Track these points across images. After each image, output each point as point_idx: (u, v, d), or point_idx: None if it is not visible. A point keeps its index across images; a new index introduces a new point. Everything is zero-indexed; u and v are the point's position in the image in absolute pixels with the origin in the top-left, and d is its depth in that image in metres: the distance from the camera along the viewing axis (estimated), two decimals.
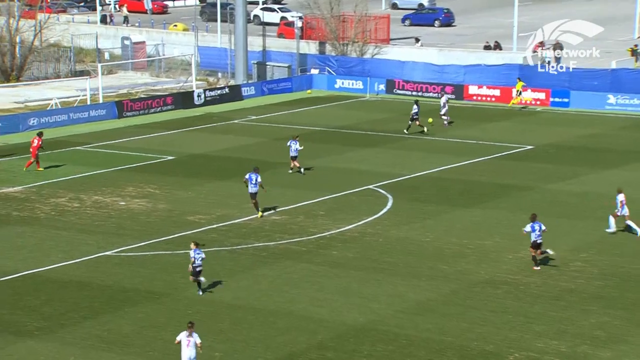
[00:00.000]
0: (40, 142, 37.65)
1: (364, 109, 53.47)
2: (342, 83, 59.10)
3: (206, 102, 53.71)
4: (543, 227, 26.48)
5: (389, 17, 68.74)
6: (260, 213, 31.56)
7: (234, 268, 26.79)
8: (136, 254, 27.94)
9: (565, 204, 33.15)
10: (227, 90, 55.74)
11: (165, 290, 25.01)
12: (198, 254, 24.54)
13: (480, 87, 55.53)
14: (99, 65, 54.73)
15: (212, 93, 54.72)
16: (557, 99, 53.55)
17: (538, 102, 53.86)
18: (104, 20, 75.92)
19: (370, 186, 35.92)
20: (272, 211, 32.04)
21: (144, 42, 66.44)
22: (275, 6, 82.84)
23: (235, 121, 49.29)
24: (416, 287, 25.53)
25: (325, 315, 23.62)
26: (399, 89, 57.16)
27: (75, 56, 63.29)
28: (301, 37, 64.12)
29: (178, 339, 19.94)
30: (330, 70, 60.47)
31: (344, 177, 37.28)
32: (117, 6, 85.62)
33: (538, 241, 26.41)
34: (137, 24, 76.36)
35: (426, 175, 37.72)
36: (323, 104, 54.38)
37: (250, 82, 58.19)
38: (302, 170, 37.10)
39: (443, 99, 47.60)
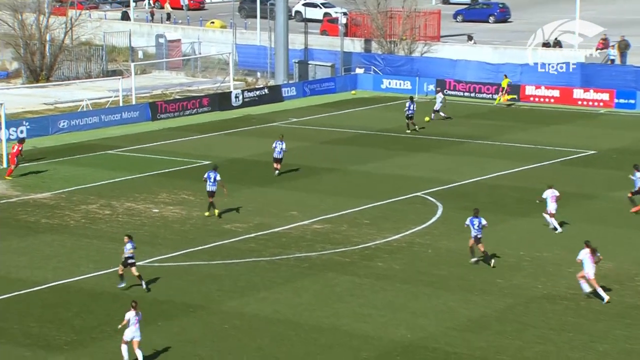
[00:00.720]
0: (20, 149, 37.93)
1: None
2: (389, 83, 59.06)
3: (244, 104, 54.01)
4: (483, 222, 27.65)
5: (440, 13, 68.56)
6: (216, 211, 32.09)
7: (273, 280, 26.91)
8: (170, 264, 28.19)
9: (630, 214, 32.75)
10: (266, 90, 56.01)
11: (201, 302, 25.21)
12: (131, 245, 25.54)
13: (538, 87, 55.13)
14: (132, 64, 55.33)
15: (251, 94, 55.01)
16: (622, 100, 52.99)
17: (601, 104, 53.35)
18: (125, 17, 76.63)
19: (419, 193, 35.84)
20: (235, 212, 32.23)
21: (179, 40, 67.01)
22: (318, 2, 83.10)
23: (275, 124, 49.51)
24: (468, 302, 25.40)
25: (370, 331, 23.60)
26: (450, 89, 56.94)
27: (108, 55, 64.02)
28: (345, 35, 64.20)
29: (127, 318, 21.79)
30: (376, 70, 60.47)
31: (390, 184, 37.25)
32: (151, 2, 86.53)
33: (478, 236, 27.62)
34: (172, 21, 77.13)
35: (479, 181, 37.53)
36: (368, 106, 54.37)
37: (291, 82, 58.39)
38: (276, 172, 37.39)
39: (439, 97, 49.49)
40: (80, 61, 61.99)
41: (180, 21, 77.05)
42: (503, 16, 78.28)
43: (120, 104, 50.97)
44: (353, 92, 58.80)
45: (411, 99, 47.01)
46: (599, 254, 25.20)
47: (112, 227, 31.77)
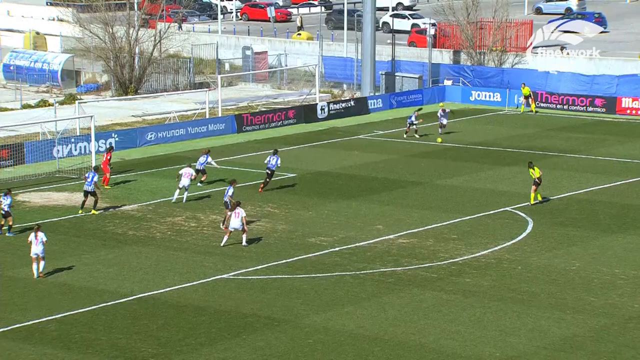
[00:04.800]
0: (108, 157, 38.90)
1: (502, 124, 52.79)
2: (478, 95, 58.55)
3: (330, 116, 54.17)
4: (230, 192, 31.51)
5: (532, 24, 67.71)
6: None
7: (358, 294, 26.88)
8: (255, 278, 28.42)
9: None
10: (352, 103, 56.08)
11: (285, 316, 25.33)
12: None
13: (635, 99, 53.90)
14: (219, 76, 56.09)
15: (337, 106, 55.15)
16: None
17: None
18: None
19: (508, 208, 35.39)
20: (320, 225, 32.02)
21: (265, 52, 67.71)
22: (407, 12, 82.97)
23: (361, 136, 49.54)
24: (560, 321, 24.95)
25: (458, 349, 23.37)
26: (542, 101, 56.15)
27: (195, 67, 65.06)
28: (434, 46, 63.93)
29: (30, 239, 27.52)
30: (465, 82, 60.02)
31: (479, 198, 36.89)
32: (239, 14, 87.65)
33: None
34: (259, 32, 78.02)
35: (572, 196, 36.86)
36: (457, 118, 53.93)
37: (377, 94, 58.38)
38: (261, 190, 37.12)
39: (440, 113, 48.18)
40: (168, 73, 63.05)
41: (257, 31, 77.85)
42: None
43: (207, 116, 51.70)
44: (441, 104, 58.40)
45: (418, 110, 48.31)
46: None
47: (198, 239, 32.18)
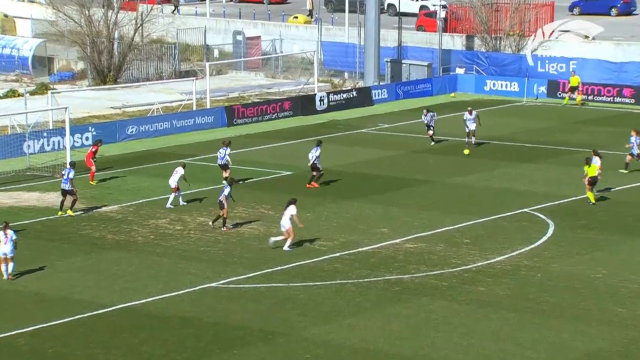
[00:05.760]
0: (94, 150, 39.20)
1: (520, 116, 52.89)
2: (494, 85, 58.65)
3: (330, 108, 54.26)
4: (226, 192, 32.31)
5: (554, 5, 67.85)
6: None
7: (361, 305, 26.96)
8: (247, 286, 28.48)
9: None
10: (354, 93, 56.18)
11: (280, 329, 25.41)
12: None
13: None
14: (207, 64, 56.19)
15: (337, 97, 55.25)
16: None
17: None
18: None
19: (527, 209, 35.47)
20: (318, 228, 32.16)
21: (259, 37, 67.78)
22: None
23: (364, 130, 49.60)
24: (584, 334, 25.03)
25: None
26: (564, 92, 56.24)
27: (181, 54, 65.11)
28: (444, 30, 64.02)
29: None
30: (479, 70, 60.11)
31: (493, 198, 36.95)
32: None
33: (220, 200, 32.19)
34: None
35: (597, 196, 36.94)
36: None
37: (382, 83, 58.48)
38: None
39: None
40: (150, 61, 63.09)
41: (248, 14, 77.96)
42: (627, 8, 76.92)
43: (194, 108, 51.79)
44: (452, 94, 58.55)
45: (428, 110, 46.06)
46: None
47: (184, 244, 32.25)
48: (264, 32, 69.36)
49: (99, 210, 35.92)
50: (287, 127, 50.52)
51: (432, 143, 45.50)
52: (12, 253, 28.48)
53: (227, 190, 33.30)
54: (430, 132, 45.65)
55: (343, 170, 41.23)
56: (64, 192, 34.77)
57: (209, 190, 38.34)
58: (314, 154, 38.42)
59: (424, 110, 46.47)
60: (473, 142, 44.62)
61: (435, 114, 46.09)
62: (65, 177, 34.78)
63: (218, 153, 39.22)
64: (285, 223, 31.09)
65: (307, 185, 38.35)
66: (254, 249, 31.69)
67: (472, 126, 44.77)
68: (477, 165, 41.81)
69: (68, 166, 35.72)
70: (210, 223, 33.55)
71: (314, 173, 38.63)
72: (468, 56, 61.28)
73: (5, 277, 28.45)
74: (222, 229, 33.22)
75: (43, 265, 29.96)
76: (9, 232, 28.53)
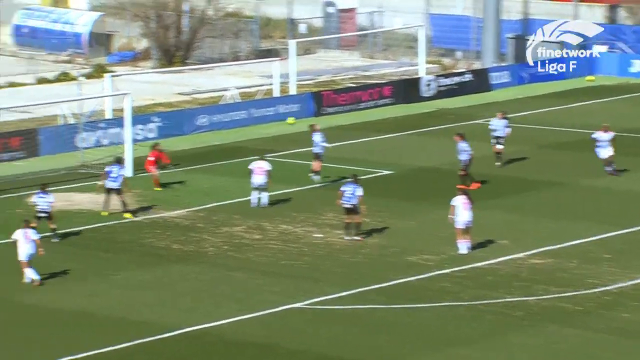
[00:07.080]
0: (153, 158, 39.17)
1: None
2: None
3: (439, 94, 54.07)
4: (358, 192, 32.45)
5: None
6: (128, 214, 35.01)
7: (474, 331, 26.77)
8: (337, 307, 28.46)
9: None
10: (469, 76, 55.86)
11: (374, 358, 25.31)
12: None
13: None
14: (292, 42, 56.38)
15: (448, 81, 55.04)
16: None
17: None
18: None
19: None
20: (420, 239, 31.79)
21: (354, 9, 67.86)
22: None
23: (480, 121, 49.26)
24: None
25: None
26: None
27: (261, 30, 65.51)
28: None
29: (14, 237, 28.80)
30: (624, 48, 59.23)
31: (639, 205, 36.37)
32: None
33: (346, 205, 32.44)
34: None
35: None
36: (611, 97, 53.40)
37: (503, 65, 58.03)
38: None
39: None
40: (225, 38, 63.65)
41: None
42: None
43: (276, 95, 52.01)
44: (590, 77, 57.77)
45: (503, 113, 42.57)
46: None
47: (263, 256, 32.37)
48: (360, 3, 69.31)
49: (163, 215, 36.28)
50: (386, 117, 50.44)
51: (498, 164, 41.60)
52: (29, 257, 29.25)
53: (360, 191, 32.87)
54: (500, 146, 41.56)
55: (453, 169, 40.91)
56: (109, 190, 35.22)
57: (294, 191, 38.44)
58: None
59: (498, 114, 42.79)
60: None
61: (507, 121, 42.20)
62: (115, 174, 35.11)
63: (313, 139, 39.22)
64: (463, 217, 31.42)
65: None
66: (345, 263, 31.67)
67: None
68: (617, 164, 41.13)
69: (116, 162, 36.08)
70: (346, 238, 33.11)
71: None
72: (610, 31, 60.43)
73: (27, 280, 29.24)
74: (355, 238, 32.99)
75: (95, 280, 30.36)
76: (30, 231, 29.19)
